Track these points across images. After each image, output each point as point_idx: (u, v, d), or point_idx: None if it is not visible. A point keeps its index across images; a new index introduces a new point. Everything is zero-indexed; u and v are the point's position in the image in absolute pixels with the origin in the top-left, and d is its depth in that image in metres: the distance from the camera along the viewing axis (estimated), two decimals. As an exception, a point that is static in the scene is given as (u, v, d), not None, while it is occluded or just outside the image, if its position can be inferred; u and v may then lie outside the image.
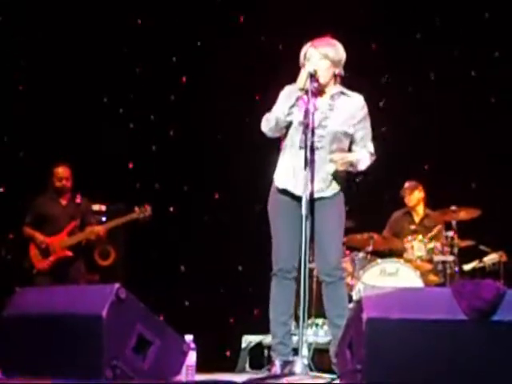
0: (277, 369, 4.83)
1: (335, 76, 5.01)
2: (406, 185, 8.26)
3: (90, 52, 8.71)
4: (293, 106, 4.90)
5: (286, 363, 4.83)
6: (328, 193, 4.95)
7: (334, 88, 5.02)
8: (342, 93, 5.02)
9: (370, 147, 5.06)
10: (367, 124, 5.06)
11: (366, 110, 5.06)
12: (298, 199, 4.84)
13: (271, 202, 5.06)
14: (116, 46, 8.86)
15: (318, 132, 4.85)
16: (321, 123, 4.89)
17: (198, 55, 9.06)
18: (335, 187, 4.99)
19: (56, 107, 8.63)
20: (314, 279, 7.38)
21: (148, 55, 8.98)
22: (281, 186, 4.99)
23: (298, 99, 4.89)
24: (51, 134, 8.46)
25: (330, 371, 4.86)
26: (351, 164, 4.94)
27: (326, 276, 4.95)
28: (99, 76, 8.73)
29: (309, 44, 5.04)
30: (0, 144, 8.64)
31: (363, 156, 5.00)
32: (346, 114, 4.96)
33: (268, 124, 4.98)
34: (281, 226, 4.96)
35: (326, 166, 4.92)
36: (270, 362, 4.99)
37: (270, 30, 8.84)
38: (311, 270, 7.23)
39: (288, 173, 4.96)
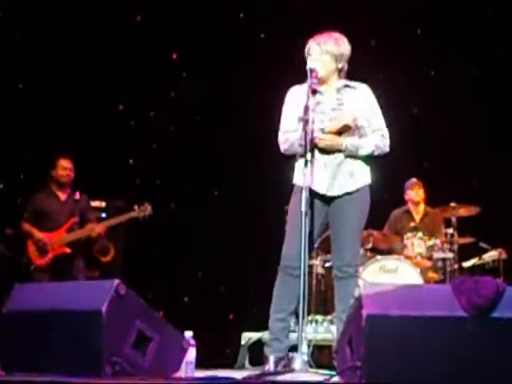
0: (270, 365, 4.82)
1: (339, 70, 5.00)
2: (414, 180, 8.25)
3: (90, 48, 8.70)
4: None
5: (280, 359, 4.82)
6: (347, 189, 4.95)
7: (338, 82, 5.01)
8: (347, 85, 5.00)
9: (383, 131, 5.02)
10: (377, 111, 5.04)
11: (373, 97, 5.04)
12: (316, 197, 4.88)
13: (292, 199, 5.03)
14: (115, 42, 8.84)
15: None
16: (332, 119, 4.89)
17: (199, 51, 9.05)
18: (356, 184, 4.98)
19: (56, 103, 8.62)
20: (314, 276, 7.39)
21: (148, 51, 8.97)
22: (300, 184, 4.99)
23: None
24: (51, 131, 8.45)
25: (331, 367, 4.86)
26: (342, 148, 4.91)
27: (337, 271, 4.95)
28: (99, 72, 8.72)
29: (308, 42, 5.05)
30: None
31: (366, 141, 4.96)
32: (354, 107, 4.94)
33: (292, 149, 4.95)
34: (293, 223, 4.91)
35: (344, 163, 4.94)
36: (263, 358, 4.98)
37: (271, 28, 8.83)
38: (310, 267, 7.26)
39: (300, 171, 4.94)
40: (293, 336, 5.74)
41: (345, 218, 4.94)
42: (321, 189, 4.89)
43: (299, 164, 4.97)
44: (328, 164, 4.89)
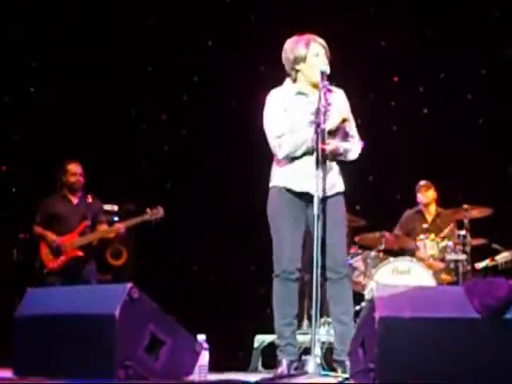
0: (284, 368, 4.84)
1: None
2: (422, 182, 8.25)
3: (102, 52, 8.73)
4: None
5: (293, 362, 4.86)
6: (335, 190, 4.96)
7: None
8: (328, 89, 4.99)
9: (357, 135, 5.07)
10: (351, 115, 5.07)
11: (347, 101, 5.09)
12: (303, 198, 4.87)
13: (274, 203, 5.01)
14: (127, 45, 8.86)
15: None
16: (325, 119, 4.84)
17: (210, 54, 9.06)
18: (342, 185, 5.01)
19: (67, 107, 8.65)
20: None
21: (160, 55, 8.98)
22: (286, 186, 4.96)
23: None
24: (63, 134, 8.47)
25: (332, 369, 4.88)
26: (340, 153, 4.94)
27: (331, 273, 4.92)
28: (111, 76, 8.74)
29: (303, 39, 4.99)
30: (12, 144, 8.66)
31: (354, 146, 5.01)
32: (340, 107, 4.97)
33: (292, 151, 4.88)
34: (284, 227, 4.94)
35: (333, 164, 4.95)
36: (276, 361, 4.99)
37: (278, 30, 8.82)
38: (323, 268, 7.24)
39: (293, 172, 4.93)
40: (306, 338, 5.74)
41: (336, 218, 4.92)
42: (313, 190, 4.77)
43: (286, 165, 4.95)
44: (320, 164, 4.83)
